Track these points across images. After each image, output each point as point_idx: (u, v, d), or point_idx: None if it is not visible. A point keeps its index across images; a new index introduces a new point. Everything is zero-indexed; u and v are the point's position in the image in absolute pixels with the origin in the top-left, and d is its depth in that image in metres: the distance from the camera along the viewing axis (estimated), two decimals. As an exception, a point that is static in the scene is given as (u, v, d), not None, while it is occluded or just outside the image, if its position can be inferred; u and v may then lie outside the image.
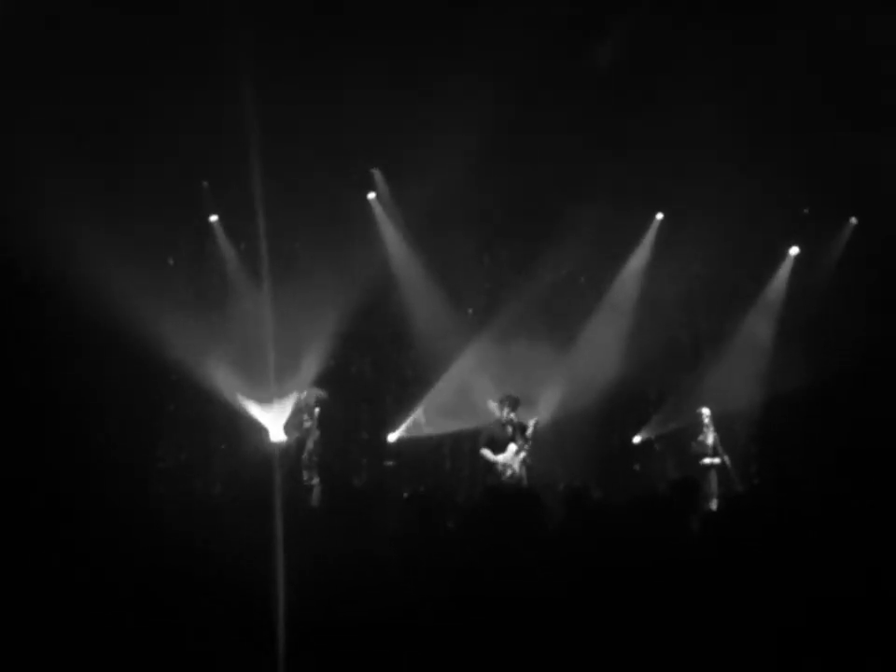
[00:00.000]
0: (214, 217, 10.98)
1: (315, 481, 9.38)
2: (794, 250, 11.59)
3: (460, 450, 10.90)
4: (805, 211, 11.44)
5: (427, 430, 10.91)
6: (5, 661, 3.23)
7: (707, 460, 10.09)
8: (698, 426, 10.31)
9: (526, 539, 3.92)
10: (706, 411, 10.31)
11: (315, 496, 9.12)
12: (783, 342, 11.16)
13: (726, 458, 10.14)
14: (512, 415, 9.83)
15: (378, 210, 11.14)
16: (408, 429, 10.85)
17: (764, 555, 3.74)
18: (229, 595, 3.55)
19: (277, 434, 9.93)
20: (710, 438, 10.22)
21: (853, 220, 11.45)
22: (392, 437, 10.83)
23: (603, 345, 11.20)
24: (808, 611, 3.29)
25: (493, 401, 9.99)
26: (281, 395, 10.29)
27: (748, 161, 9.48)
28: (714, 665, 3.18)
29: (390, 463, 10.81)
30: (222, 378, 10.49)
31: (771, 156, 9.55)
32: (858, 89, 9.17)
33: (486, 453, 9.69)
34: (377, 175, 11.04)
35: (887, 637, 3.23)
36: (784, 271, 11.59)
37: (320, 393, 9.96)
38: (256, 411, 10.38)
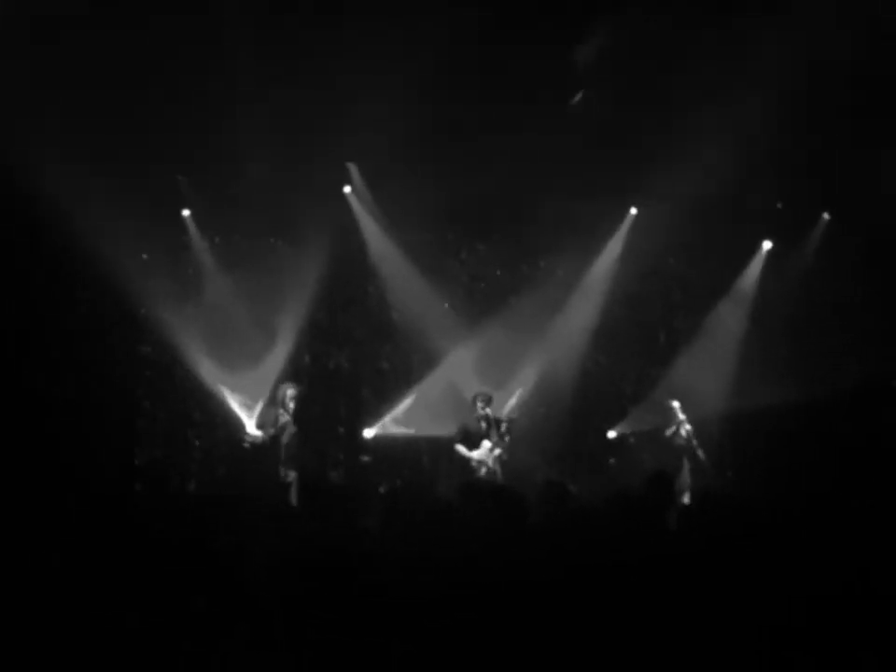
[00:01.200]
0: (186, 212, 10.90)
1: (292, 476, 9.33)
2: (767, 244, 11.69)
3: (437, 446, 10.90)
4: (779, 206, 11.54)
5: (406, 430, 10.88)
6: None
7: (680, 452, 10.18)
8: (670, 418, 10.38)
9: (503, 535, 3.93)
10: (675, 403, 10.39)
11: (293, 491, 9.08)
12: (756, 336, 11.26)
13: (700, 451, 10.22)
14: (487, 411, 9.84)
15: (354, 204, 11.11)
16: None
17: (741, 550, 3.77)
18: (206, 591, 3.54)
19: (252, 429, 9.86)
20: (683, 430, 10.30)
21: (826, 216, 11.57)
22: (369, 433, 10.80)
23: (578, 339, 11.26)
24: (789, 606, 3.32)
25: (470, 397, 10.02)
26: (257, 389, 10.26)
27: (723, 154, 9.52)
28: (696, 660, 3.20)
29: (367, 458, 10.79)
30: (198, 372, 10.45)
31: (747, 150, 9.59)
32: (836, 83, 9.23)
33: (461, 449, 9.69)
34: (352, 168, 11.00)
35: (869, 631, 3.27)
36: (756, 265, 11.69)
37: (295, 387, 9.89)
38: (233, 405, 10.33)
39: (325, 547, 3.91)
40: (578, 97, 9.23)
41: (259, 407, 10.14)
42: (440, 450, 10.45)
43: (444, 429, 10.23)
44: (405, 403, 10.90)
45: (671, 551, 4.02)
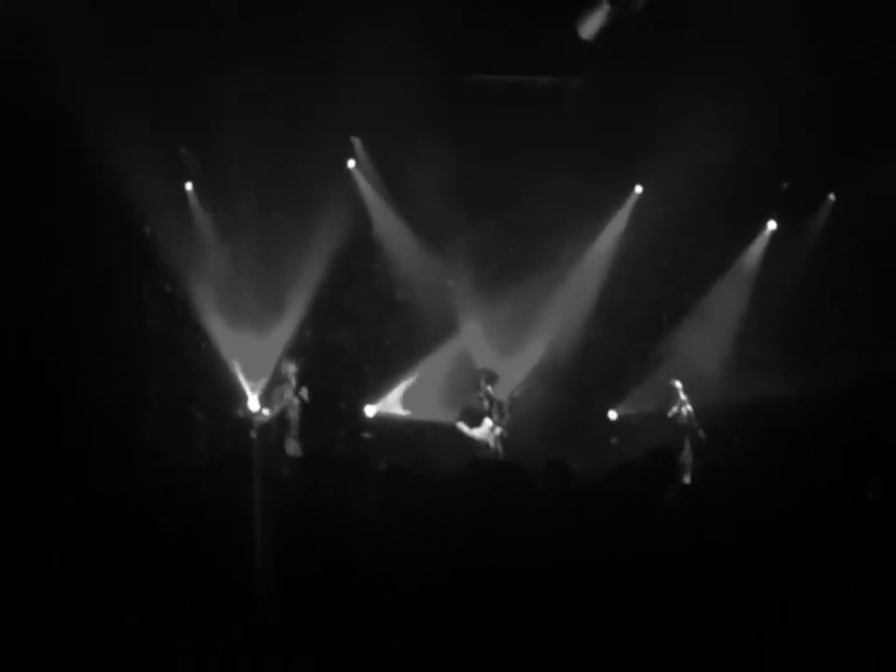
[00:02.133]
0: (189, 185, 10.84)
1: (300, 451, 9.41)
2: (772, 225, 11.65)
3: (438, 427, 10.89)
4: (784, 185, 11.48)
5: (407, 412, 10.86)
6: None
7: (682, 432, 10.19)
8: (672, 398, 10.37)
9: (506, 511, 3.92)
10: (678, 384, 10.37)
11: (300, 465, 9.14)
12: (756, 320, 11.22)
13: (701, 431, 10.22)
14: (489, 389, 9.84)
15: (359, 178, 11.05)
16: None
17: (738, 530, 3.77)
18: (211, 566, 3.54)
19: (255, 404, 9.90)
20: (685, 410, 10.29)
21: (831, 197, 11.51)
22: (370, 411, 10.79)
23: (581, 318, 11.24)
24: (785, 600, 3.32)
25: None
26: (262, 365, 10.26)
27: (727, 133, 9.48)
28: (693, 644, 3.21)
29: (368, 435, 10.80)
30: (203, 347, 10.46)
31: (750, 129, 9.54)
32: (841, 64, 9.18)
33: (462, 426, 9.70)
34: (357, 143, 10.94)
35: (868, 628, 3.27)
36: (759, 245, 11.64)
37: (297, 363, 9.93)
38: (240, 380, 10.33)
39: (327, 522, 3.91)
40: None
41: (263, 383, 10.15)
42: (441, 429, 10.43)
43: (445, 412, 10.23)
44: (406, 383, 10.89)
45: (670, 531, 4.02)
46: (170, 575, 3.45)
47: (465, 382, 10.39)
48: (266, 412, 9.69)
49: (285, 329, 10.48)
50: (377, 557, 3.54)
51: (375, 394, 10.81)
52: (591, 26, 8.63)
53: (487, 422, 9.71)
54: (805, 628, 3.30)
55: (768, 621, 3.28)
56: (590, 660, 3.15)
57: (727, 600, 3.31)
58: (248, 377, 10.27)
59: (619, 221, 11.48)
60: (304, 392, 9.73)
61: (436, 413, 10.54)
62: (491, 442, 9.67)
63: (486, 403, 9.81)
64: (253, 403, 9.96)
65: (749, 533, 3.79)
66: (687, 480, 9.65)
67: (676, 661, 3.21)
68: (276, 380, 9.88)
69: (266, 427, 9.59)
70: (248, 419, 9.82)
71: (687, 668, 3.22)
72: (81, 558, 3.48)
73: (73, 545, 3.56)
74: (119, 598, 3.39)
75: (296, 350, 10.36)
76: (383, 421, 10.76)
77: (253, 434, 9.59)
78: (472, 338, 10.91)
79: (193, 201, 10.90)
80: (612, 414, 11.31)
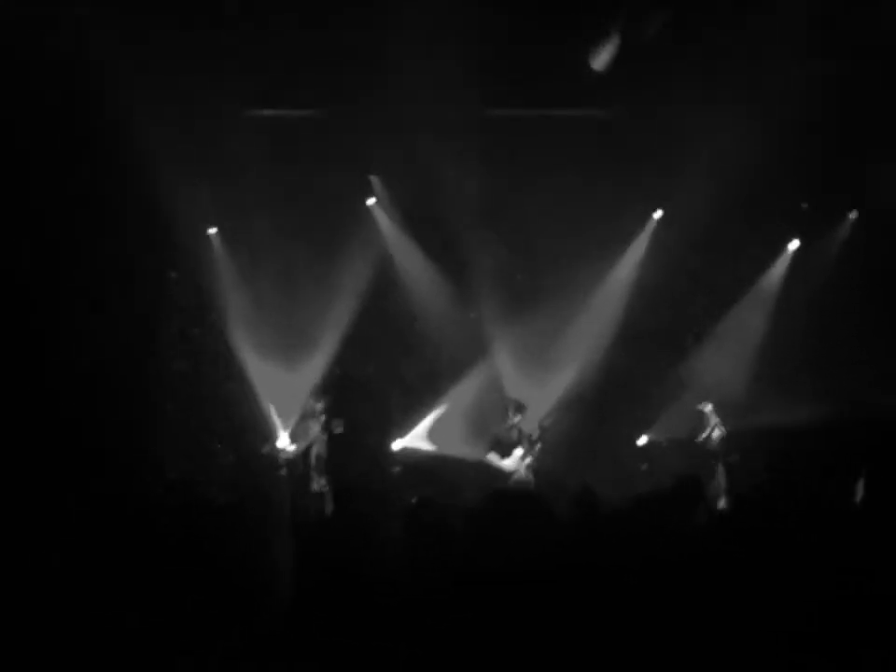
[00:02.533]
0: (213, 230, 10.99)
1: (324, 486, 9.43)
2: (794, 244, 11.59)
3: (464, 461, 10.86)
4: (804, 205, 11.44)
5: (432, 447, 10.85)
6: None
7: (713, 457, 10.08)
8: (703, 423, 10.28)
9: (535, 540, 3.90)
10: (708, 407, 10.28)
11: (328, 501, 9.16)
12: (778, 341, 11.09)
13: (734, 455, 10.12)
14: (518, 419, 9.83)
15: (378, 215, 11.15)
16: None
17: (772, 553, 3.72)
18: (234, 602, 3.55)
19: (284, 441, 9.98)
20: (716, 433, 10.19)
21: (853, 215, 11.44)
22: (397, 444, 10.80)
23: (605, 343, 11.20)
24: (815, 610, 3.27)
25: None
26: (290, 402, 10.34)
27: (746, 154, 9.47)
28: (718, 660, 3.17)
29: (397, 469, 10.80)
30: (229, 385, 10.58)
31: (770, 149, 9.53)
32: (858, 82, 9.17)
33: (493, 457, 9.69)
34: (375, 180, 11.06)
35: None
36: (781, 265, 11.58)
37: (324, 399, 10.01)
38: (271, 416, 10.40)
39: (356, 557, 3.91)
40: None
41: (293, 420, 10.22)
42: (469, 462, 10.39)
43: (473, 443, 10.21)
44: (433, 415, 10.89)
45: (701, 551, 3.98)
46: (179, 586, 3.47)
47: (492, 413, 10.38)
48: (293, 448, 9.77)
49: (315, 365, 10.56)
50: (384, 563, 3.53)
51: (402, 427, 10.83)
52: (603, 57, 8.69)
53: (518, 452, 9.69)
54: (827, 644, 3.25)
55: (791, 637, 3.23)
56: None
57: (753, 622, 3.28)
58: (280, 414, 10.36)
59: (639, 245, 11.47)
60: (339, 425, 9.79)
61: (463, 445, 10.53)
62: (522, 472, 9.64)
63: (516, 433, 9.80)
64: (283, 440, 10.04)
65: (780, 558, 3.75)
66: (721, 504, 9.54)
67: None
68: (304, 416, 9.94)
69: (293, 464, 9.65)
70: (275, 456, 9.90)
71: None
72: (90, 590, 3.50)
73: (87, 566, 3.58)
74: (119, 600, 3.41)
75: (322, 385, 10.42)
76: (410, 455, 10.77)
77: (283, 471, 9.65)
78: (497, 368, 10.91)
79: (217, 244, 11.05)
80: (642, 440, 11.24)
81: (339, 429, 9.81)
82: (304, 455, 9.71)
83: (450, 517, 4.52)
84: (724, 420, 10.28)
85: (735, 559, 3.71)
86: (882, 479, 4.35)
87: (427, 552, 4.05)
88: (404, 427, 10.86)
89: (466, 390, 10.90)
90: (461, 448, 10.55)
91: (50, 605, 3.43)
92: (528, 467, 9.69)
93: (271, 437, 10.20)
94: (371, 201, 11.12)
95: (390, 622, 3.27)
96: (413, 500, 6.96)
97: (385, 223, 11.15)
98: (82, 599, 3.43)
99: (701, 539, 4.28)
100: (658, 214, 11.40)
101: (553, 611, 3.17)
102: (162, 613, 3.36)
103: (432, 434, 10.88)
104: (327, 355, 10.70)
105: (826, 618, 3.23)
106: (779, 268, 11.54)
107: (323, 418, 9.87)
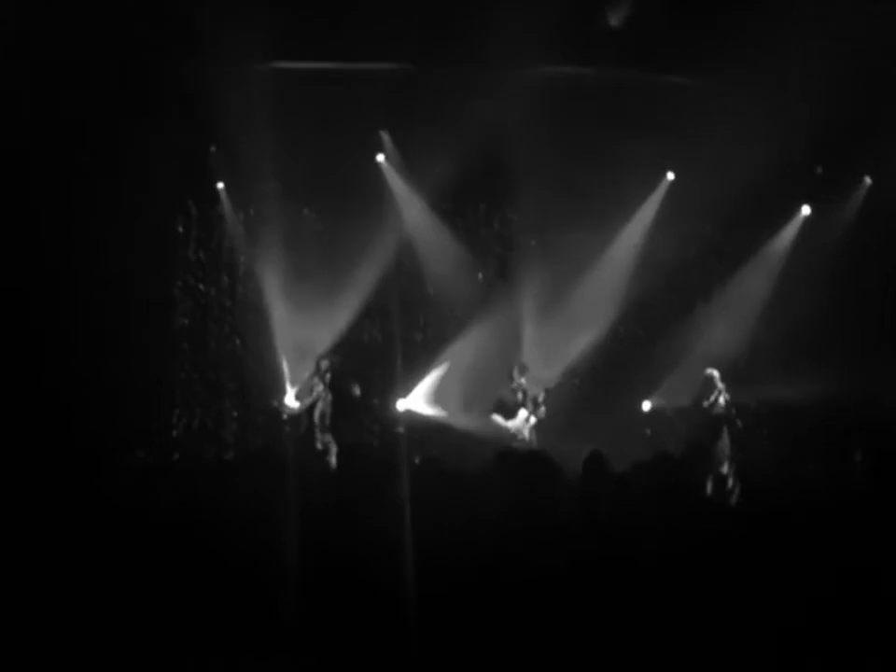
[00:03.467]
0: (220, 185, 10.91)
1: (331, 444, 9.49)
2: (806, 210, 11.47)
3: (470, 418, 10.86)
4: (819, 170, 11.30)
5: (436, 411, 10.84)
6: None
7: (718, 422, 10.05)
8: (708, 388, 10.23)
9: (542, 501, 3.88)
10: (715, 372, 10.23)
11: (331, 460, 9.22)
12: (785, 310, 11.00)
13: (738, 421, 10.08)
14: (523, 381, 9.81)
15: (387, 172, 11.03)
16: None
17: (776, 531, 3.69)
18: (240, 562, 3.53)
19: (291, 400, 10.04)
20: (721, 399, 10.15)
21: (868, 180, 11.30)
22: (401, 405, 10.78)
23: (611, 308, 11.14)
24: (815, 604, 3.24)
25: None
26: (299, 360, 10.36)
27: (761, 118, 9.33)
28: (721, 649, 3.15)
29: (401, 429, 10.80)
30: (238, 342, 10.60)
31: (784, 113, 9.39)
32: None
33: (497, 418, 9.69)
34: (385, 136, 10.91)
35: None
36: (792, 229, 11.46)
37: (330, 358, 10.03)
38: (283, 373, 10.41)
39: (361, 517, 3.89)
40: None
41: (302, 379, 10.24)
42: (473, 422, 10.39)
43: (477, 404, 10.18)
44: (437, 375, 10.86)
45: (708, 522, 3.96)
46: (186, 570, 3.45)
47: (497, 374, 10.35)
48: (297, 405, 9.84)
49: (326, 324, 10.53)
50: (398, 555, 3.51)
51: (406, 388, 10.81)
52: (620, 12, 8.54)
53: (522, 413, 9.68)
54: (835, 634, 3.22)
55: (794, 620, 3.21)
56: (618, 660, 3.10)
57: (760, 597, 3.25)
58: (293, 372, 10.37)
59: (649, 209, 11.35)
60: (356, 387, 9.83)
61: (467, 407, 10.52)
62: (526, 433, 9.65)
63: (520, 395, 9.78)
64: (290, 398, 10.09)
65: (784, 526, 3.72)
66: (725, 469, 9.54)
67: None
68: (312, 376, 9.98)
69: (296, 420, 9.71)
70: (281, 411, 9.95)
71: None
72: (98, 554, 3.49)
73: (90, 541, 3.57)
74: (134, 596, 3.39)
75: (329, 346, 10.42)
76: (414, 415, 10.76)
77: (286, 428, 9.70)
78: (503, 330, 10.86)
79: (224, 199, 10.97)
80: (646, 406, 11.21)
81: (357, 391, 9.85)
82: (308, 412, 9.75)
83: (454, 477, 4.51)
84: (729, 386, 10.23)
85: (742, 546, 3.67)
86: (880, 462, 4.31)
87: (434, 513, 4.03)
88: (409, 388, 10.84)
89: (471, 350, 10.86)
90: (464, 410, 10.53)
91: (50, 575, 3.41)
92: (532, 428, 9.68)
93: (280, 393, 10.24)
94: (380, 157, 10.98)
95: (399, 592, 3.25)
96: (417, 460, 6.97)
97: (395, 179, 11.02)
98: (80, 572, 3.41)
99: (709, 504, 4.27)
100: (670, 176, 11.26)
101: (562, 580, 3.15)
102: (164, 587, 3.35)
103: (436, 396, 10.86)
104: (333, 316, 10.66)
105: (826, 613, 3.21)
106: (789, 234, 11.43)
107: (328, 377, 9.88)
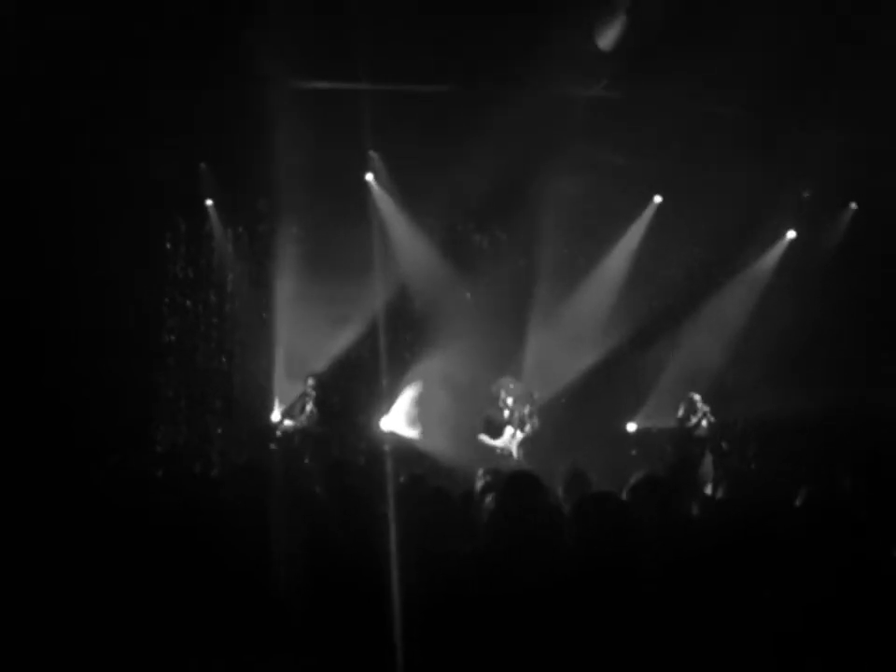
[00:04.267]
0: (209, 202, 10.94)
1: (316, 463, 9.48)
2: (791, 234, 11.56)
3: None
4: (806, 195, 11.40)
5: (418, 429, 10.84)
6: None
7: (702, 444, 10.10)
8: (691, 410, 10.28)
9: (528, 519, 3.89)
10: (696, 396, 10.29)
11: (318, 477, 9.20)
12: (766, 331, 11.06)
13: (723, 443, 10.14)
14: (510, 399, 9.82)
15: (376, 191, 11.08)
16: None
17: (762, 545, 3.71)
18: (227, 579, 3.53)
19: (277, 417, 10.04)
20: (705, 421, 10.20)
21: (853, 205, 11.41)
22: (386, 424, 10.78)
23: (597, 328, 11.19)
24: (805, 607, 3.26)
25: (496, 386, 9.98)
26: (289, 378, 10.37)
27: (748, 143, 9.41)
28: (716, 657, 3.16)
29: (388, 447, 10.80)
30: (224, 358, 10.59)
31: (772, 139, 9.47)
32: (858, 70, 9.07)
33: (484, 438, 9.69)
34: (374, 156, 10.97)
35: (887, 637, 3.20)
36: (777, 251, 11.55)
37: (317, 377, 10.06)
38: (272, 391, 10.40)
39: (346, 533, 3.89)
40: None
41: (291, 397, 10.25)
42: (458, 442, 10.40)
43: (460, 428, 10.17)
44: (419, 395, 10.86)
45: (693, 541, 3.98)
46: (187, 571, 3.45)
47: (484, 392, 10.36)
48: (287, 423, 9.83)
49: (322, 343, 10.52)
50: (393, 571, 3.51)
51: (392, 407, 10.82)
52: (609, 36, 8.58)
53: (509, 430, 9.69)
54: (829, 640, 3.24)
55: (789, 629, 3.23)
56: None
57: (750, 611, 3.27)
58: (281, 389, 10.38)
59: (636, 231, 11.42)
60: (336, 404, 9.86)
61: (454, 424, 10.52)
62: (514, 451, 9.65)
63: (506, 413, 9.79)
64: (276, 415, 10.08)
65: (772, 544, 3.74)
66: (708, 490, 9.57)
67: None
68: (301, 394, 10.01)
69: (287, 438, 9.70)
70: (270, 429, 9.95)
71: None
72: (91, 563, 3.47)
73: (91, 540, 3.56)
74: (136, 597, 3.39)
75: (317, 364, 10.44)
76: (398, 435, 10.76)
77: (273, 445, 9.68)
78: (490, 348, 10.88)
79: (213, 216, 10.99)
80: (631, 426, 11.24)
81: (336, 407, 9.90)
82: (296, 429, 9.77)
83: (441, 496, 4.51)
84: (713, 408, 10.29)
85: (724, 549, 3.69)
86: (870, 473, 4.34)
87: (419, 530, 4.03)
88: (394, 407, 10.85)
89: (457, 370, 10.86)
90: (451, 429, 10.52)
91: (50, 574, 3.40)
92: (519, 446, 9.68)
93: (268, 410, 10.24)
94: (369, 176, 11.03)
95: (385, 605, 3.25)
96: (401, 479, 6.97)
97: (383, 199, 11.07)
98: (78, 577, 3.41)
99: (694, 527, 4.28)
100: (658, 199, 11.35)
101: (550, 598, 3.16)
102: (158, 594, 3.35)
103: (420, 415, 10.87)
104: (323, 332, 10.67)
105: (820, 616, 3.22)
106: (773, 256, 11.52)
107: (314, 394, 9.91)
